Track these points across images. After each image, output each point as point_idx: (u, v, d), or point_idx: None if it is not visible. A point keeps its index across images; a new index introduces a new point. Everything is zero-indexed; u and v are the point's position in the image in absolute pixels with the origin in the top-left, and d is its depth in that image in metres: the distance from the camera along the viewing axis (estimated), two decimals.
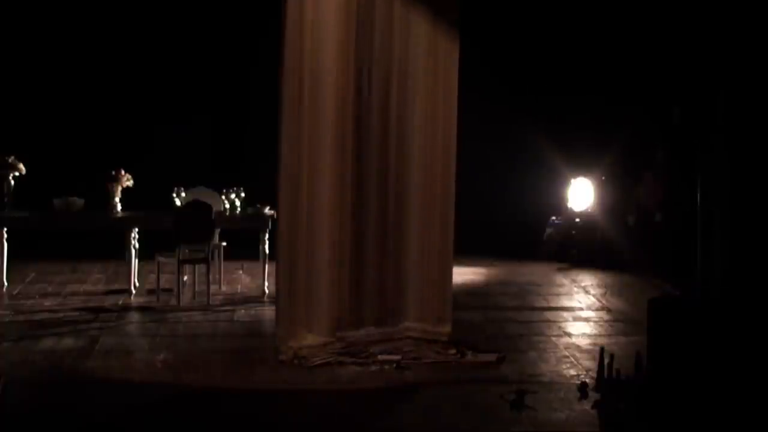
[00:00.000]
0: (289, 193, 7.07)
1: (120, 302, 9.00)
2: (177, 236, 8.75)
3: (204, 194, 9.32)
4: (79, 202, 9.26)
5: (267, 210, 9.27)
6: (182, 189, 9.38)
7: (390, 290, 7.51)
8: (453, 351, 7.13)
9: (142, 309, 8.75)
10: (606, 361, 6.14)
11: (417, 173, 7.47)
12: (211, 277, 9.04)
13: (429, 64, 7.38)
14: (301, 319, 7.21)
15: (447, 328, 7.52)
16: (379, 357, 6.95)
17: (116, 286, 9.68)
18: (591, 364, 6.79)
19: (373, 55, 7.26)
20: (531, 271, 11.22)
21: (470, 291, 9.80)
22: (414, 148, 7.44)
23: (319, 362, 6.81)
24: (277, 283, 7.25)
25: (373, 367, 6.79)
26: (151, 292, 9.23)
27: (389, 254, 7.47)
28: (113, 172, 9.22)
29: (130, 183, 9.29)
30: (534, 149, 11.99)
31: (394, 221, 7.47)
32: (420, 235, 7.52)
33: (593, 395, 6.07)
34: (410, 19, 7.32)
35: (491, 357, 7.03)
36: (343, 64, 7.17)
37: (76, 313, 8.51)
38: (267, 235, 9.28)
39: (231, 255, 10.09)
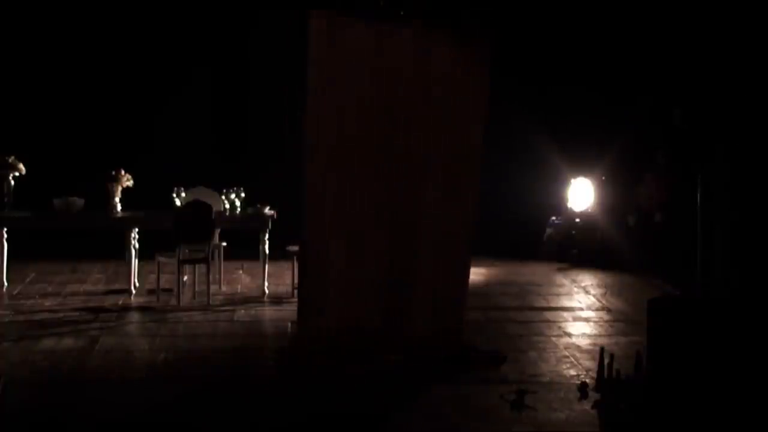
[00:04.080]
0: (314, 195, 7.10)
1: (120, 302, 9.00)
2: (177, 236, 8.75)
3: (204, 194, 9.32)
4: (79, 202, 9.26)
5: (267, 210, 9.27)
6: (182, 189, 9.38)
7: (397, 291, 7.48)
8: (453, 351, 7.11)
9: (142, 309, 8.75)
10: (606, 361, 6.14)
11: (437, 184, 7.43)
12: (211, 277, 9.04)
13: (457, 75, 7.33)
14: (307, 318, 7.22)
15: (455, 330, 7.46)
16: (381, 357, 6.94)
17: (116, 286, 9.68)
18: (591, 364, 6.79)
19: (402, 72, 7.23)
20: (531, 271, 11.23)
21: (470, 291, 9.69)
22: (437, 156, 7.41)
23: (320, 362, 6.81)
24: (299, 284, 7.28)
25: (374, 367, 6.79)
26: (151, 292, 9.23)
27: (400, 255, 7.44)
28: (113, 172, 9.22)
29: (130, 183, 9.29)
30: (534, 149, 11.98)
31: (410, 223, 7.42)
32: (437, 233, 7.46)
33: (593, 395, 6.07)
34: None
35: (491, 357, 7.03)
36: (369, 81, 7.18)
37: (76, 313, 8.51)
38: (267, 235, 9.28)
39: (231, 255, 10.09)
